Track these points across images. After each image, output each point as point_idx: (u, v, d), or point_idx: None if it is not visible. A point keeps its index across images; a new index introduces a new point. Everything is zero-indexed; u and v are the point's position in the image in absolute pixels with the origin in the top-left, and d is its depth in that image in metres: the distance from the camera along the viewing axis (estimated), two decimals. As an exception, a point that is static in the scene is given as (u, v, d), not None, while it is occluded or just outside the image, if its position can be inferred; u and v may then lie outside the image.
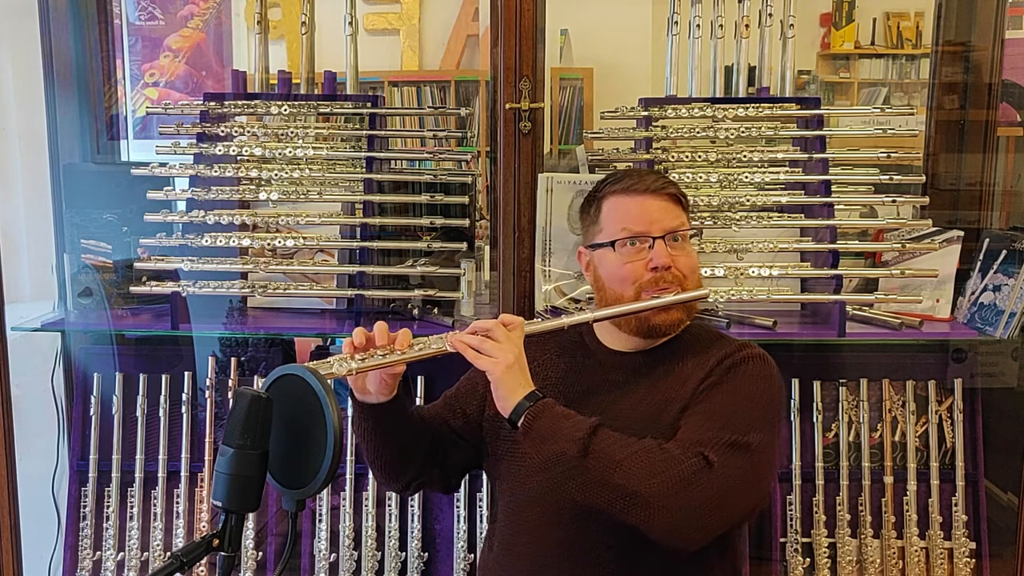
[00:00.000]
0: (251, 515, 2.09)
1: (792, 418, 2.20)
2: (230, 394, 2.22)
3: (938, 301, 2.20)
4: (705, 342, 1.58)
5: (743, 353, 1.52)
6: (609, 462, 1.35)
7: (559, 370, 1.63)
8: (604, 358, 1.61)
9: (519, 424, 1.40)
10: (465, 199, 2.18)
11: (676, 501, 1.33)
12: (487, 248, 2.31)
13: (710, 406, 1.45)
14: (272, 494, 2.16)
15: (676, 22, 2.19)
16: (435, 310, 2.18)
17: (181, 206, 2.17)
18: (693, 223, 2.10)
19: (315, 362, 1.42)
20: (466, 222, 2.21)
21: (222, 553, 1.26)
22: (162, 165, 2.16)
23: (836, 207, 2.10)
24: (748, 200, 2.10)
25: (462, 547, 2.18)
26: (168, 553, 2.08)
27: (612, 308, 1.55)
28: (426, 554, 2.21)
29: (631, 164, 2.18)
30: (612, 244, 1.56)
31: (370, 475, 2.19)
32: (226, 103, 2.21)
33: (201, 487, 2.25)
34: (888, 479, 2.18)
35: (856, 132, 2.22)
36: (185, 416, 2.23)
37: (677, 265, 1.54)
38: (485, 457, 1.67)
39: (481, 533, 2.17)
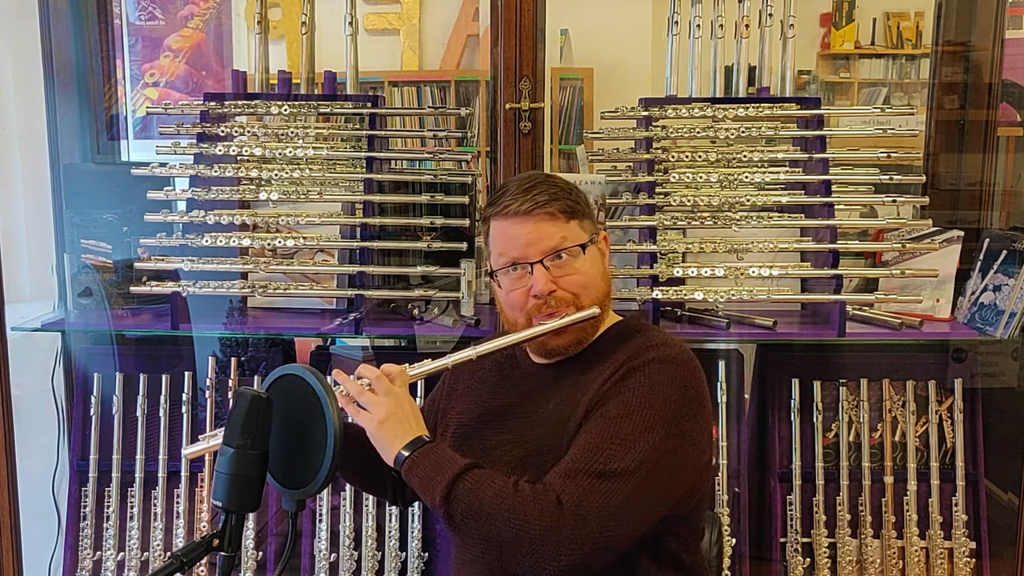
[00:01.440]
0: (251, 515, 2.09)
1: (792, 418, 2.20)
2: (230, 394, 2.22)
3: (938, 301, 2.20)
4: (618, 344, 1.51)
5: (638, 361, 1.44)
6: (467, 510, 1.33)
7: (490, 385, 1.61)
8: (528, 370, 1.59)
9: (403, 475, 1.39)
10: (465, 199, 2.18)
11: (535, 543, 1.29)
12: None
13: (590, 428, 1.40)
14: (272, 494, 2.16)
15: (676, 22, 2.19)
16: (435, 310, 2.19)
17: (181, 206, 2.17)
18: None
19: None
20: (466, 222, 2.21)
21: (222, 553, 1.26)
22: (162, 165, 2.16)
23: (836, 207, 2.10)
24: (748, 200, 2.10)
25: (462, 547, 2.18)
26: (168, 553, 2.08)
27: (494, 341, 1.50)
28: (426, 554, 2.21)
29: (630, 165, 2.18)
30: (493, 274, 1.53)
31: (370, 475, 2.20)
32: (226, 103, 2.21)
33: (201, 487, 2.25)
34: (888, 479, 2.18)
35: (856, 132, 2.22)
36: (185, 416, 2.23)
37: (563, 286, 1.47)
38: None
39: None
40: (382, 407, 1.39)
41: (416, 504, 2.18)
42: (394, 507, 2.20)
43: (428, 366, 1.49)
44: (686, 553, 1.49)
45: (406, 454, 1.37)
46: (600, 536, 1.31)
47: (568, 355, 1.52)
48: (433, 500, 1.35)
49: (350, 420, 1.43)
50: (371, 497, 2.19)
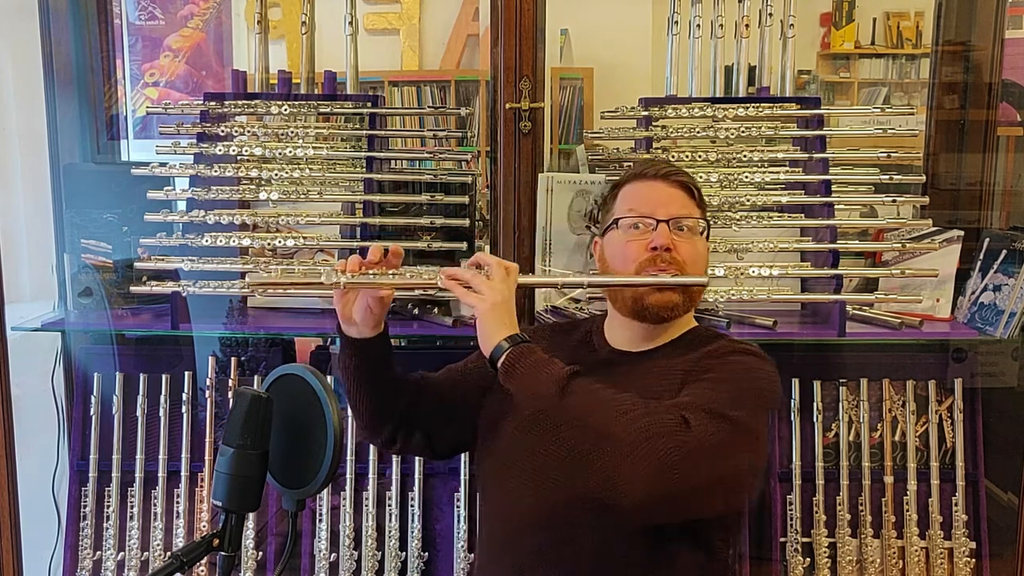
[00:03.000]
0: (251, 515, 2.09)
1: (792, 418, 2.20)
2: (230, 394, 2.22)
3: (938, 301, 2.20)
4: (702, 342, 1.56)
5: (738, 347, 1.51)
6: (587, 402, 1.34)
7: None
8: (604, 356, 1.60)
9: (499, 365, 1.39)
10: (465, 199, 2.18)
11: (646, 448, 1.28)
12: (487, 248, 2.30)
13: (694, 387, 1.43)
14: (272, 494, 2.16)
15: (676, 22, 2.19)
16: (435, 310, 2.19)
17: (181, 206, 2.17)
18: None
19: (309, 269, 1.42)
20: (466, 222, 2.21)
21: (222, 553, 1.26)
22: (162, 165, 2.16)
23: (836, 207, 2.10)
24: (748, 200, 2.10)
25: (462, 547, 2.18)
26: (168, 553, 2.08)
27: (607, 277, 1.58)
28: (426, 554, 2.21)
29: (630, 165, 2.17)
30: (616, 222, 1.58)
31: (370, 475, 2.19)
32: (226, 103, 2.21)
33: (201, 487, 2.25)
34: (888, 479, 2.18)
35: (856, 132, 2.22)
36: (185, 416, 2.23)
37: (678, 251, 1.53)
38: (476, 450, 1.66)
39: (481, 533, 2.17)
40: (497, 292, 1.42)
41: (416, 504, 2.19)
42: (394, 496, 2.19)
43: (538, 278, 1.56)
44: (724, 553, 1.51)
45: (507, 345, 1.39)
46: (707, 467, 1.30)
47: (663, 320, 1.55)
48: (547, 388, 1.35)
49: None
50: (371, 497, 2.19)
